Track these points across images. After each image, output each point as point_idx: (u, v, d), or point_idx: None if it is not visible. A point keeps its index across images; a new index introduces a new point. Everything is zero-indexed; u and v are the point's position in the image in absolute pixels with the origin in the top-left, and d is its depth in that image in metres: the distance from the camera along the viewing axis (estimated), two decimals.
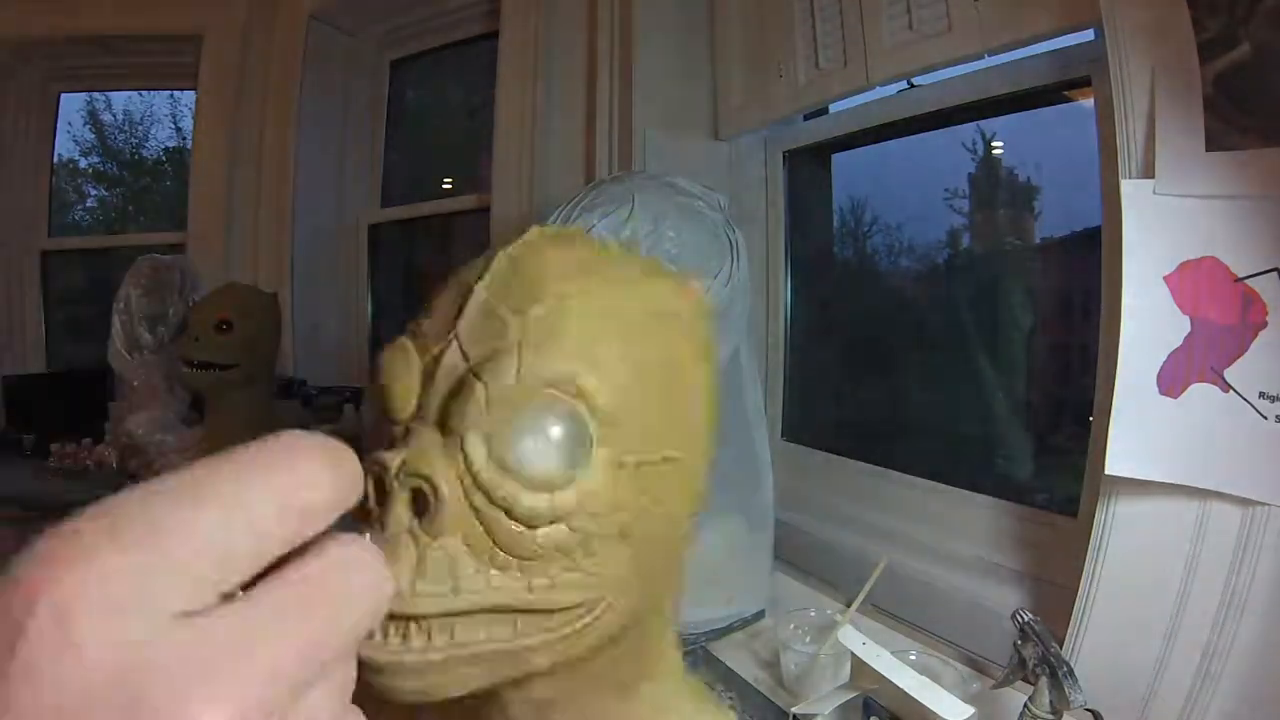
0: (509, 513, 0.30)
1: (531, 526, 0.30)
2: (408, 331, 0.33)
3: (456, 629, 0.30)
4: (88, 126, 2.55)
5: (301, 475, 0.18)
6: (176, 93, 2.51)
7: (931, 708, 0.59)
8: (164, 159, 2.65)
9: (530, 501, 0.30)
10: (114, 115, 2.57)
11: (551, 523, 0.30)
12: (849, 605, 0.88)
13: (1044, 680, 0.63)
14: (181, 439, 1.66)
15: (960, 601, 0.88)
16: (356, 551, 0.18)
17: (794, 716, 0.67)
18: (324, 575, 0.17)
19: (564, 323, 0.31)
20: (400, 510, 0.29)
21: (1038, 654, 0.64)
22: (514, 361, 0.30)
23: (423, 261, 2.37)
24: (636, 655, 0.37)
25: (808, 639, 0.87)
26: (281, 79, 2.11)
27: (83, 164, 2.58)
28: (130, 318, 1.70)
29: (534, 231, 0.34)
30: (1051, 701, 0.63)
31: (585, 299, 0.32)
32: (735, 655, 0.92)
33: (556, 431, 0.29)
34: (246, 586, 0.16)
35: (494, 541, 0.30)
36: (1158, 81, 0.65)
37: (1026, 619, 0.66)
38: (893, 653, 0.68)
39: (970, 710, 0.59)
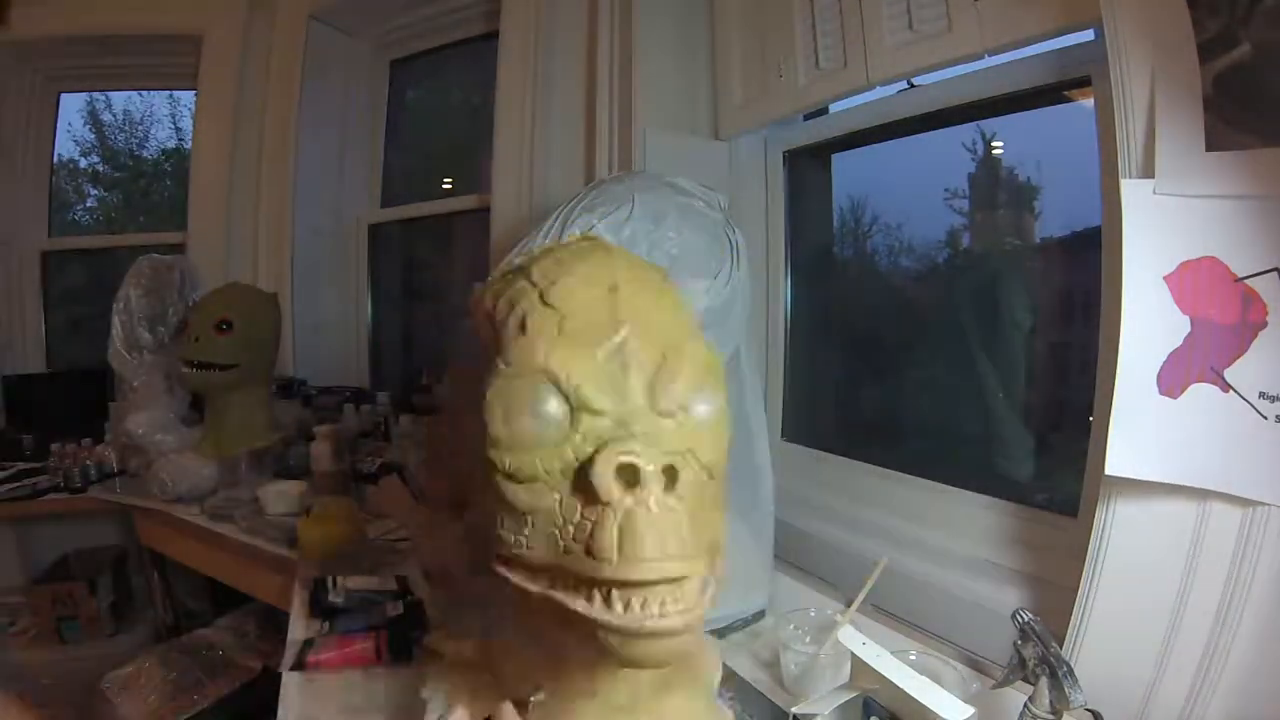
0: (709, 472, 0.37)
1: (712, 478, 0.38)
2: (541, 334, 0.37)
3: (708, 588, 0.36)
4: (88, 126, 2.55)
5: None
6: (176, 93, 2.51)
7: (931, 708, 0.59)
8: (164, 159, 2.65)
9: (713, 454, 0.38)
10: (114, 115, 2.58)
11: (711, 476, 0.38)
12: (849, 605, 0.88)
13: (1044, 680, 0.63)
14: (181, 439, 1.66)
15: (960, 601, 0.88)
16: None
17: (794, 716, 0.67)
18: None
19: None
20: (656, 487, 0.34)
21: (1038, 654, 0.64)
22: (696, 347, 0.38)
23: (422, 262, 2.37)
24: None
25: (808, 639, 0.87)
26: (281, 79, 2.11)
27: (83, 164, 2.58)
28: (130, 318, 1.70)
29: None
30: (1051, 701, 0.63)
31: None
32: (735, 655, 0.92)
33: (721, 398, 0.39)
34: None
35: (699, 500, 0.36)
36: (1158, 81, 0.65)
37: (1026, 619, 0.66)
38: (893, 653, 0.68)
39: (970, 710, 0.59)
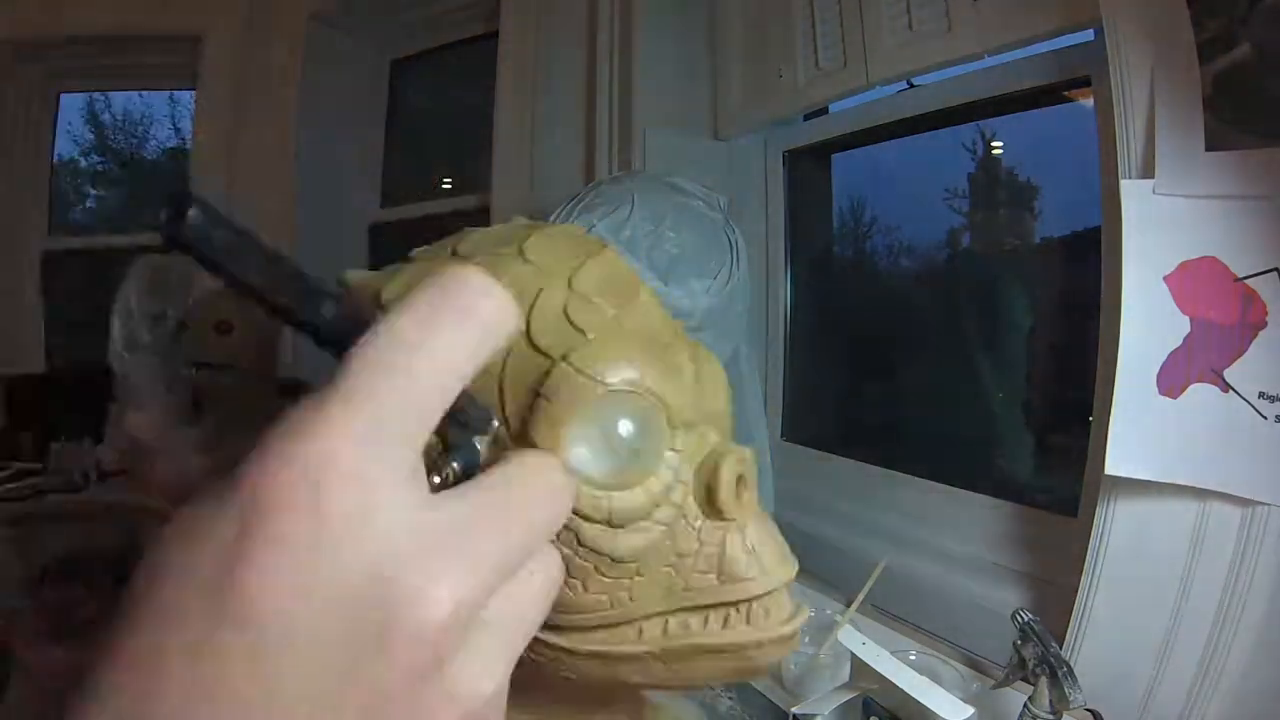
0: None
1: None
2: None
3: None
4: (88, 126, 2.55)
5: (483, 329, 0.19)
6: (176, 93, 2.51)
7: (931, 708, 0.59)
8: (164, 159, 2.65)
9: None
10: (114, 115, 2.57)
11: None
12: (849, 605, 0.88)
13: (1044, 680, 0.63)
14: (181, 439, 1.65)
15: (960, 601, 0.88)
16: (543, 461, 0.22)
17: (794, 716, 0.67)
18: (521, 479, 0.20)
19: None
20: (753, 492, 0.33)
21: (1038, 654, 0.64)
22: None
23: None
24: None
25: (807, 639, 0.87)
26: (281, 79, 2.11)
27: (83, 164, 2.58)
28: (130, 318, 1.70)
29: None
30: (1051, 701, 0.63)
31: None
32: None
33: None
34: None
35: None
36: (1158, 81, 0.65)
37: (1026, 619, 0.66)
38: (893, 653, 0.68)
39: (970, 710, 0.59)
